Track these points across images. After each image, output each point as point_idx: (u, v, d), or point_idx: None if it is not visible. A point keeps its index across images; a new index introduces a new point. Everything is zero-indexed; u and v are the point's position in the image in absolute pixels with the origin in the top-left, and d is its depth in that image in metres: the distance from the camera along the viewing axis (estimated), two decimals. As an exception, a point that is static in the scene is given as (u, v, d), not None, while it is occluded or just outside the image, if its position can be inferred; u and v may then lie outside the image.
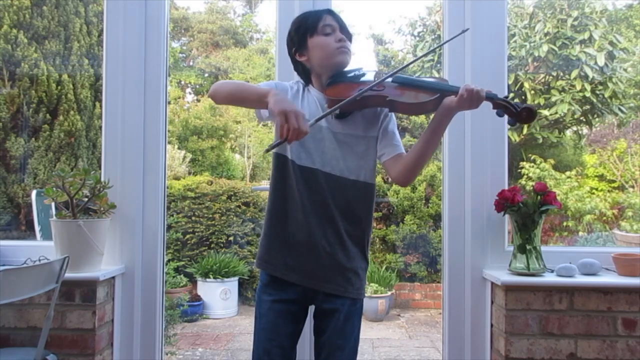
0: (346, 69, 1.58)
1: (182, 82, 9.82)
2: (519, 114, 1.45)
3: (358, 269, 1.57)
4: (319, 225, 1.52)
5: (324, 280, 1.54)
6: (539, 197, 1.96)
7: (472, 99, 1.43)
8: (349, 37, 1.58)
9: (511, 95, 1.61)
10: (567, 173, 5.58)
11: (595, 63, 5.71)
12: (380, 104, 1.52)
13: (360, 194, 1.55)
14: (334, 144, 1.53)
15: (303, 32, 1.57)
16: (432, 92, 1.48)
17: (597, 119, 6.31)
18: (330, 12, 1.59)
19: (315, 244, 1.52)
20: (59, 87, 4.73)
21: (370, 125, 1.58)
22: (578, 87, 5.77)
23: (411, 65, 5.71)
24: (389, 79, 1.52)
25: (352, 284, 1.55)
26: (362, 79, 1.56)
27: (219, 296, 5.29)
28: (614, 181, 5.92)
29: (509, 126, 1.65)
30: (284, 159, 1.56)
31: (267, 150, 1.46)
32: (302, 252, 1.54)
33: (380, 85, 1.50)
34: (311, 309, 1.63)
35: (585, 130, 6.62)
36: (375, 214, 6.02)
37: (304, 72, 1.63)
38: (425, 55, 1.58)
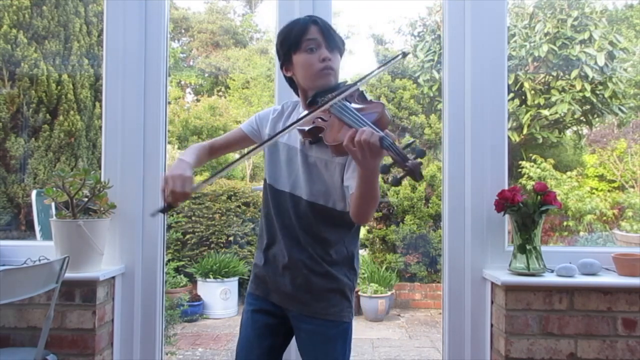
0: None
1: (182, 82, 9.82)
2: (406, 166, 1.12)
3: (338, 289, 1.47)
4: (293, 247, 1.47)
5: (301, 303, 1.48)
6: (539, 197, 1.96)
7: (363, 150, 1.17)
8: (337, 47, 1.46)
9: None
10: (568, 173, 5.59)
11: (595, 63, 5.72)
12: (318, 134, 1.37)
13: (328, 219, 1.46)
14: (304, 167, 1.46)
15: (287, 47, 1.47)
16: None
17: (597, 119, 6.32)
18: (315, 22, 1.45)
19: (291, 266, 1.47)
20: (59, 87, 4.73)
21: None
22: (578, 87, 5.77)
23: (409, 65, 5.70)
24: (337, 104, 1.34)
25: (332, 305, 1.46)
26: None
27: (219, 296, 5.29)
28: (614, 181, 5.92)
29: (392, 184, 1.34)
30: (265, 182, 1.55)
31: (153, 215, 1.40)
32: (280, 274, 1.50)
33: (327, 112, 1.36)
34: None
35: (585, 130, 6.62)
36: (375, 214, 6.02)
37: (292, 86, 1.55)
38: (365, 77, 1.36)
